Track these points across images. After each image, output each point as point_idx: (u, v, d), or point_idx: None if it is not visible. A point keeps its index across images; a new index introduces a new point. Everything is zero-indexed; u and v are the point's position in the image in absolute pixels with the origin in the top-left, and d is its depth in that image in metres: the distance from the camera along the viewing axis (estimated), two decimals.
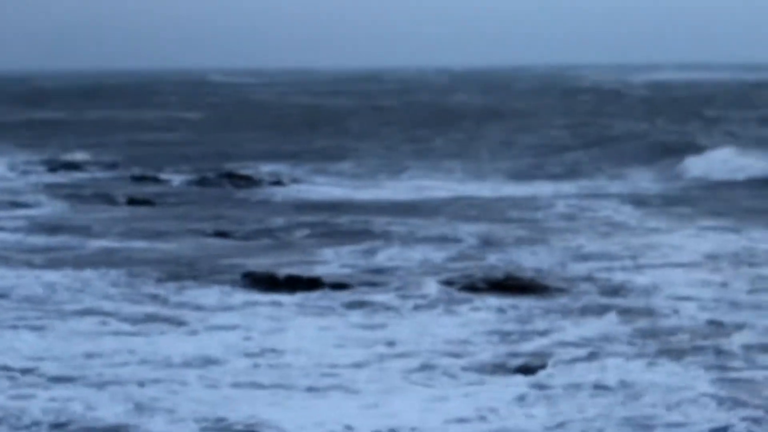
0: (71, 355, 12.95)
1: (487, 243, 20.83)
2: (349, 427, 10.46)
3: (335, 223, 23.38)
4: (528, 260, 18.89)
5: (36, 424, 10.62)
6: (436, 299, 15.89)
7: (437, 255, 19.41)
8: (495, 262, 18.73)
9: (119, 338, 13.78)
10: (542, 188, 30.60)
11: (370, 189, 30.55)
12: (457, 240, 21.15)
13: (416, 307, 15.43)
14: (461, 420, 10.66)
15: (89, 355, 12.90)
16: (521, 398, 11.30)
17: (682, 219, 24.05)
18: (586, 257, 19.22)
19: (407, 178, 33.29)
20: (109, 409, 11.02)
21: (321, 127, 54.90)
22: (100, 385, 11.80)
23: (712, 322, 14.42)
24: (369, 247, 20.23)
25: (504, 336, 13.80)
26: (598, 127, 50.86)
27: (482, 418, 10.75)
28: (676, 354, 12.94)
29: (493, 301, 15.69)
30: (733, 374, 12.15)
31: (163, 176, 33.37)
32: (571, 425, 10.52)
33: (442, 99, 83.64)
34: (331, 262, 18.89)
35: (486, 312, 15.08)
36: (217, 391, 11.63)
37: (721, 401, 11.15)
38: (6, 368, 12.31)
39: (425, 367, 12.47)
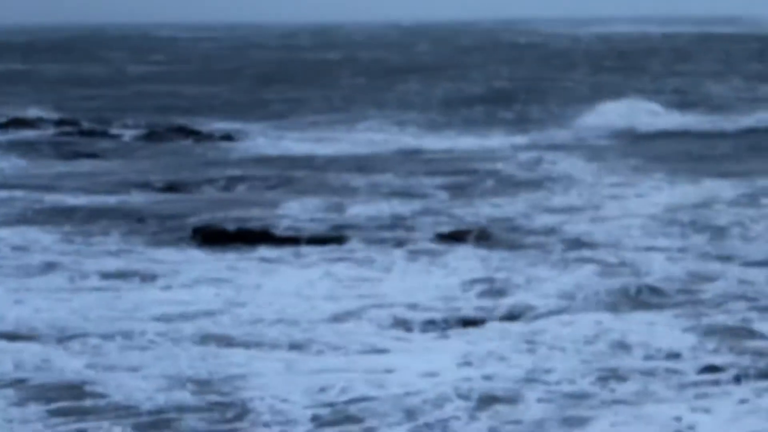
0: (29, 310, 12.56)
1: (454, 196, 20.67)
2: (326, 385, 10.15)
3: (295, 178, 23.05)
4: (496, 213, 18.72)
5: None
6: (413, 252, 15.59)
7: (405, 208, 19.14)
8: (464, 214, 18.55)
9: (78, 294, 13.40)
10: (496, 140, 30.54)
11: (327, 143, 30.20)
12: (423, 194, 20.96)
13: (394, 260, 15.12)
14: (433, 374, 10.42)
15: (44, 310, 12.53)
16: (502, 349, 11.08)
17: (636, 171, 23.94)
18: (552, 210, 19.06)
19: (363, 131, 32.98)
20: (68, 364, 10.64)
21: (273, 81, 54.38)
22: (60, 341, 11.43)
23: (684, 273, 14.27)
24: (335, 201, 19.88)
25: (484, 288, 13.55)
26: (542, 80, 50.93)
27: (463, 368, 10.54)
28: (654, 305, 12.83)
29: (469, 253, 15.44)
30: (711, 323, 12.00)
31: (114, 131, 32.81)
32: (552, 375, 10.33)
33: (392, 53, 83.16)
34: (297, 216, 18.50)
35: (464, 264, 14.78)
36: (186, 348, 11.29)
37: (702, 351, 10.99)
38: None
39: (405, 320, 12.25)
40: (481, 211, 18.90)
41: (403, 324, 12.13)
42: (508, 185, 22.05)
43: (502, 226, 17.54)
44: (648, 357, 10.83)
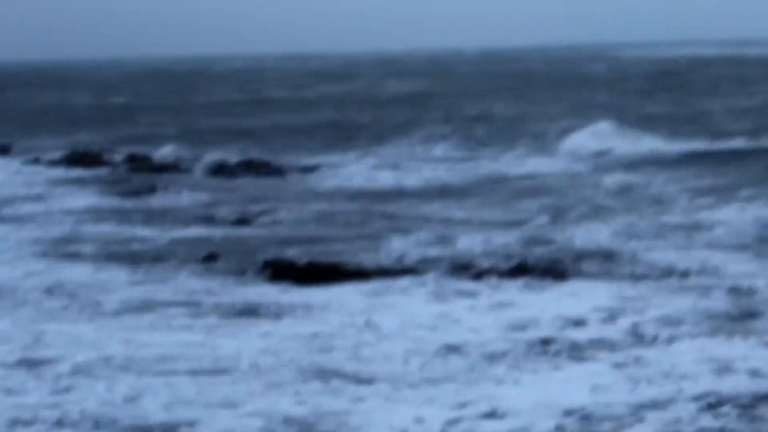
0: (128, 345, 12.27)
1: (554, 222, 20.32)
2: (429, 422, 9.76)
3: (388, 212, 22.54)
4: (599, 239, 18.39)
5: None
6: (523, 283, 15.07)
7: (509, 238, 18.61)
8: (567, 242, 18.23)
9: (172, 330, 13.12)
10: (561, 161, 30.60)
11: (408, 172, 29.75)
12: (521, 221, 20.53)
13: (505, 291, 14.68)
14: (542, 406, 10.08)
15: (142, 345, 12.25)
16: (612, 379, 10.80)
17: (719, 193, 23.37)
18: (651, 235, 18.63)
19: (442, 160, 32.56)
20: (161, 401, 10.35)
21: (333, 112, 53.88)
22: (156, 377, 11.13)
23: None
24: (440, 234, 19.25)
25: (600, 317, 13.17)
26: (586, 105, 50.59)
27: (574, 397, 10.24)
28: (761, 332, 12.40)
29: (580, 284, 15.04)
30: None
31: (185, 165, 32.65)
32: (670, 405, 10.03)
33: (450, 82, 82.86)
34: (409, 251, 17.80)
35: (578, 294, 14.41)
36: (291, 384, 10.93)
37: None
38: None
39: (512, 350, 11.94)
40: (586, 237, 18.58)
41: (512, 354, 11.79)
42: (603, 210, 21.67)
43: (609, 253, 17.16)
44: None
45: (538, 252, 17.29)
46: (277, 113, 54.36)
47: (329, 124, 46.50)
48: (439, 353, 11.82)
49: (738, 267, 15.86)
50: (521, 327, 12.76)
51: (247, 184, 28.55)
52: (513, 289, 14.72)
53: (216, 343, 12.29)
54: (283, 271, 15.94)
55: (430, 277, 15.35)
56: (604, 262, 16.48)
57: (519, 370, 11.27)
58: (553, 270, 15.69)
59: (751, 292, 14.17)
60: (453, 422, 9.68)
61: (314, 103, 61.95)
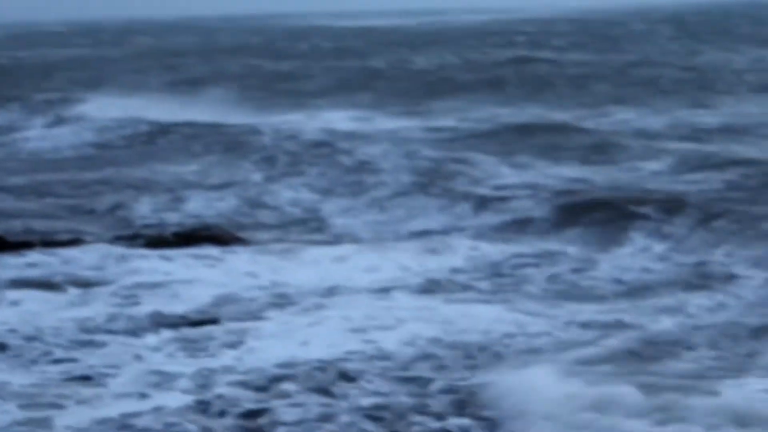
0: None
1: (267, 181, 20.24)
2: None
3: (85, 179, 21.78)
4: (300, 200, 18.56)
5: None
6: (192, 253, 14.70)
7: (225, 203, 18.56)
8: (274, 204, 18.22)
9: None
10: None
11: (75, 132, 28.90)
12: (235, 182, 20.37)
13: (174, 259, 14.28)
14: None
15: None
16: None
17: None
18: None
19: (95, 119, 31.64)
20: None
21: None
22: None
23: None
24: (170, 198, 19.03)
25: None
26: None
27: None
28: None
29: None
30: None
31: None
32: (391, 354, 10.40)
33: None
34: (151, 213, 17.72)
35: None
36: None
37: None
38: None
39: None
40: (290, 196, 18.67)
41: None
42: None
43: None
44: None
45: (238, 217, 17.30)
46: None
47: None
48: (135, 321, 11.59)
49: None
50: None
51: None
52: (174, 258, 14.29)
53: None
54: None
55: (98, 247, 14.95)
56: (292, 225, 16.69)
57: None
58: (232, 236, 15.57)
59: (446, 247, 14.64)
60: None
61: None
